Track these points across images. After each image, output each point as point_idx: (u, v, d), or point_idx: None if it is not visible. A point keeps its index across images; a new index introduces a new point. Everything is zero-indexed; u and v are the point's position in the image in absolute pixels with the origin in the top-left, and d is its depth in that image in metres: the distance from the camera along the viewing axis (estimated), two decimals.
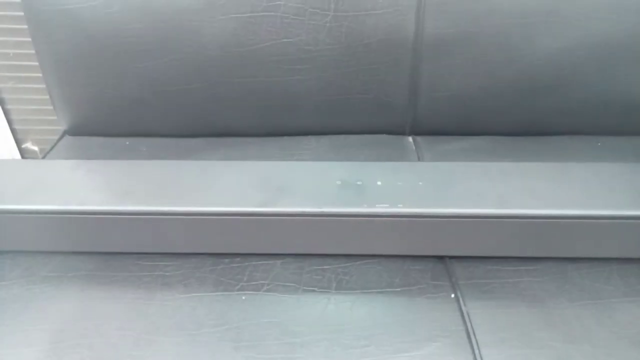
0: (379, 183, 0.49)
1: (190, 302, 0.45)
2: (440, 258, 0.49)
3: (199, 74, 0.65)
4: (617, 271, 0.48)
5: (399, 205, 0.46)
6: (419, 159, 0.66)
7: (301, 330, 0.42)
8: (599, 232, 0.47)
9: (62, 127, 0.72)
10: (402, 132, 0.71)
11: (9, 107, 0.91)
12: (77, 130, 0.71)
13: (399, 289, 0.46)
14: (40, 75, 0.74)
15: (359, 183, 0.49)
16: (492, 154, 0.66)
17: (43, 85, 0.78)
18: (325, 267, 0.48)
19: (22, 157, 0.97)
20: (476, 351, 0.40)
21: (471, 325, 0.43)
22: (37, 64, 0.78)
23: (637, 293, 0.46)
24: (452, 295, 0.46)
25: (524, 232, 0.47)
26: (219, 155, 0.66)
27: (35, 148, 0.97)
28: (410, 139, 0.71)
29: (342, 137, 0.70)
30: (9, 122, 0.93)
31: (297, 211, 0.46)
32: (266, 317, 0.43)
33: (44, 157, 0.68)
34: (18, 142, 0.95)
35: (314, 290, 0.46)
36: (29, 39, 0.67)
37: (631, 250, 0.48)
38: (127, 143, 0.69)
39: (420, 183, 0.49)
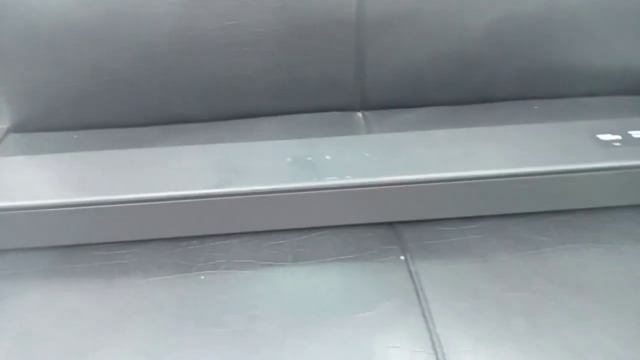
0: (327, 157, 0.51)
1: (150, 287, 0.46)
2: (390, 224, 0.52)
3: (147, 61, 0.65)
4: (552, 223, 0.52)
5: (347, 177, 0.48)
6: (368, 131, 0.69)
7: (260, 304, 0.44)
8: (533, 187, 0.50)
9: (4, 125, 0.71)
10: (352, 108, 0.73)
11: None
12: (21, 127, 0.70)
13: (351, 256, 0.48)
14: None
15: (308, 159, 0.51)
16: (437, 123, 0.68)
17: None
18: (281, 241, 0.50)
19: None
20: (424, 305, 0.43)
21: (419, 283, 0.46)
22: None
23: (570, 241, 0.50)
24: (402, 257, 0.48)
25: (465, 192, 0.50)
26: (171, 143, 0.66)
27: None
28: (359, 114, 0.73)
29: (293, 116, 0.71)
30: None
31: (250, 190, 0.48)
32: (225, 293, 0.45)
33: None
34: None
35: (271, 265, 0.48)
36: None
37: (563, 202, 0.52)
38: (75, 137, 0.68)
39: (367, 154, 0.52)
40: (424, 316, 0.43)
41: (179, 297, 0.45)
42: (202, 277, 0.46)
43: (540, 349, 0.40)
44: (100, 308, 0.44)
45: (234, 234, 0.51)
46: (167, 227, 0.50)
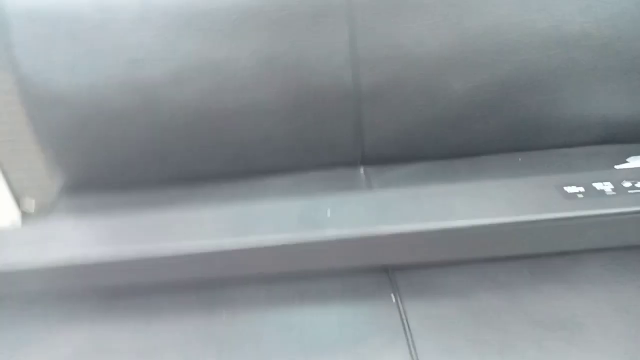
0: (329, 213, 0.60)
1: (182, 326, 0.55)
2: (384, 269, 0.60)
3: (174, 133, 0.76)
4: (526, 266, 0.59)
5: (345, 230, 0.57)
6: (368, 186, 0.78)
7: (271, 338, 0.53)
8: (507, 235, 0.58)
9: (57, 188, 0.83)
10: (354, 164, 0.83)
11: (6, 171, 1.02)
12: (71, 189, 0.82)
13: (350, 297, 0.57)
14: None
15: (312, 215, 0.60)
16: (429, 176, 0.78)
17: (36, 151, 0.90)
18: (289, 284, 0.59)
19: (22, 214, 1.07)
20: (410, 340, 0.51)
21: (407, 320, 0.53)
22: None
23: (542, 282, 0.57)
24: (393, 297, 0.56)
25: (448, 241, 0.58)
26: (198, 199, 0.77)
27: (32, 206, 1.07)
28: (361, 169, 0.82)
29: (302, 174, 0.81)
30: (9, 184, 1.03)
31: (262, 245, 0.57)
32: (243, 329, 0.54)
33: (47, 216, 0.78)
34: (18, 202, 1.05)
35: (279, 306, 0.56)
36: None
37: (534, 247, 0.59)
38: (116, 197, 0.80)
39: (363, 209, 0.60)
40: (410, 348, 0.50)
41: (205, 333, 0.54)
42: (224, 317, 0.55)
43: (509, 356, 0.47)
44: (143, 340, 0.54)
45: (249, 279, 0.60)
46: (192, 276, 0.59)
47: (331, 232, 0.57)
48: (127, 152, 0.78)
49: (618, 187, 0.60)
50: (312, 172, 0.82)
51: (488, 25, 0.73)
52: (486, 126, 0.79)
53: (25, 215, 1.06)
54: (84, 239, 0.60)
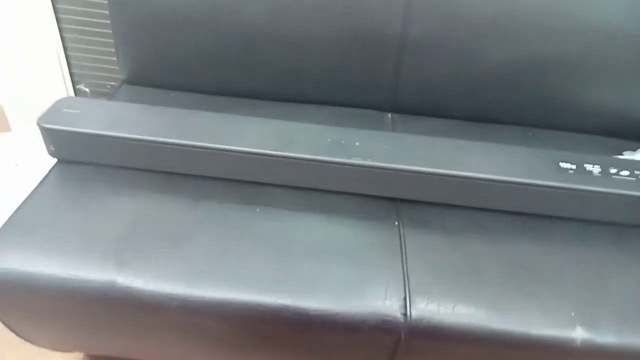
0: (357, 144, 0.71)
1: (221, 210, 0.67)
2: (393, 199, 0.72)
3: (234, 46, 0.86)
4: (511, 220, 0.70)
5: (368, 160, 0.68)
6: (392, 131, 0.88)
7: (293, 234, 0.65)
8: (502, 191, 0.69)
9: (117, 77, 0.93)
10: (384, 109, 0.92)
11: (70, 53, 1.11)
12: (133, 80, 0.92)
13: (359, 216, 0.69)
14: (99, 31, 0.96)
15: (343, 142, 0.71)
16: (448, 133, 0.87)
17: (100, 39, 1.00)
18: (313, 196, 0.71)
19: (76, 95, 1.18)
20: (404, 258, 0.63)
21: (404, 242, 0.65)
22: (98, 23, 0.99)
23: (521, 235, 0.68)
24: (396, 223, 0.68)
25: (451, 186, 0.69)
26: (243, 112, 0.86)
27: (87, 90, 1.17)
28: (389, 115, 0.92)
29: (337, 108, 0.91)
30: (69, 66, 1.13)
31: (298, 156, 0.68)
32: (272, 223, 0.66)
33: (111, 98, 0.88)
34: (74, 84, 1.16)
35: (303, 210, 0.68)
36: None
37: (525, 207, 0.70)
38: (172, 95, 0.90)
39: (386, 146, 0.71)
40: (402, 263, 0.63)
41: (241, 219, 0.66)
42: (258, 210, 0.68)
43: (481, 285, 0.59)
44: (188, 216, 0.66)
45: (283, 185, 0.71)
46: (237, 172, 0.71)
47: (356, 159, 0.68)
48: (188, 57, 0.87)
49: (604, 171, 0.70)
50: (345, 108, 0.91)
51: (536, 5, 0.80)
52: (511, 96, 0.88)
53: (80, 96, 1.17)
54: (151, 121, 0.71)
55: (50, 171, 0.71)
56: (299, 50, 0.85)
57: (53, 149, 0.71)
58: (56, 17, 1.05)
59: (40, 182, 0.69)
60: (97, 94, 1.17)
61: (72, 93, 1.16)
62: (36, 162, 0.73)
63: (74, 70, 1.14)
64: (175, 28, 0.84)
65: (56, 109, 0.72)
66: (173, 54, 0.87)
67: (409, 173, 0.68)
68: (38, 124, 0.69)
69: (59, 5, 1.04)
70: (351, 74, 0.88)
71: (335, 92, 0.90)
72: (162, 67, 0.89)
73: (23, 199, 0.67)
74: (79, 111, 0.71)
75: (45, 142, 0.70)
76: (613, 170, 0.70)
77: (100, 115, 0.71)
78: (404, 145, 0.72)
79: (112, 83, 1.14)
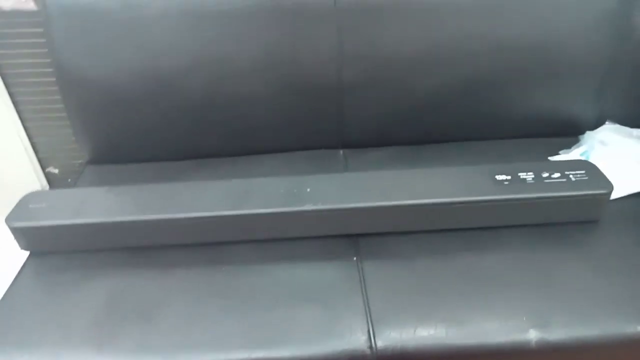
0: (308, 190, 0.76)
1: (189, 275, 0.71)
2: (349, 236, 0.76)
3: (181, 115, 0.91)
4: (460, 237, 0.75)
5: (319, 204, 0.73)
6: (345, 166, 0.93)
7: (259, 285, 0.69)
8: (447, 212, 0.74)
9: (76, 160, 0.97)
10: (335, 147, 0.98)
11: (34, 140, 1.16)
12: (95, 160, 0.97)
13: (319, 258, 0.73)
14: (62, 116, 1.02)
15: (295, 191, 0.76)
16: (398, 159, 0.93)
17: (63, 123, 1.05)
18: (276, 246, 0.75)
19: (46, 178, 1.22)
20: (363, 290, 0.68)
21: (363, 275, 0.70)
22: (59, 108, 1.04)
23: (471, 249, 0.73)
24: (354, 258, 0.73)
25: (399, 215, 0.74)
26: (202, 173, 0.92)
27: (56, 171, 1.22)
28: (341, 151, 0.97)
29: (290, 153, 0.96)
30: (35, 152, 1.18)
31: (254, 212, 0.73)
32: (237, 279, 0.70)
33: (76, 183, 0.93)
34: (42, 167, 1.20)
35: (265, 263, 0.73)
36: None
37: (471, 222, 0.75)
38: (134, 168, 0.95)
39: (335, 188, 0.76)
40: (363, 296, 0.67)
41: (208, 281, 0.70)
42: (224, 269, 0.72)
43: (439, 304, 0.64)
44: (158, 288, 0.70)
45: (245, 241, 0.76)
46: (200, 236, 0.75)
47: (308, 206, 0.73)
48: (144, 131, 0.92)
49: (537, 177, 0.75)
50: (298, 152, 0.97)
51: (453, 34, 0.86)
52: (446, 117, 0.94)
53: (51, 178, 1.22)
54: (113, 202, 0.76)
55: (23, 265, 0.75)
56: (243, 109, 0.90)
57: (24, 244, 0.75)
58: (16, 108, 1.10)
59: (15, 279, 0.73)
60: (67, 172, 1.22)
61: (42, 177, 1.21)
62: (12, 254, 0.77)
63: (41, 155, 1.19)
64: (126, 107, 0.89)
65: (22, 205, 0.76)
66: (128, 131, 0.92)
67: (359, 210, 0.73)
68: (7, 223, 0.73)
69: (17, 98, 1.09)
70: (298, 121, 0.93)
71: (286, 139, 0.96)
72: (119, 144, 0.94)
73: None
74: (44, 205, 0.76)
75: (15, 238, 0.75)
76: (545, 175, 0.76)
77: (65, 205, 0.75)
78: (352, 184, 0.77)
79: (80, 161, 1.19)
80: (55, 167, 1.22)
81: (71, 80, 0.87)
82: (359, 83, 0.90)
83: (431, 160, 0.92)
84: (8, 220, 0.73)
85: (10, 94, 1.08)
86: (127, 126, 0.92)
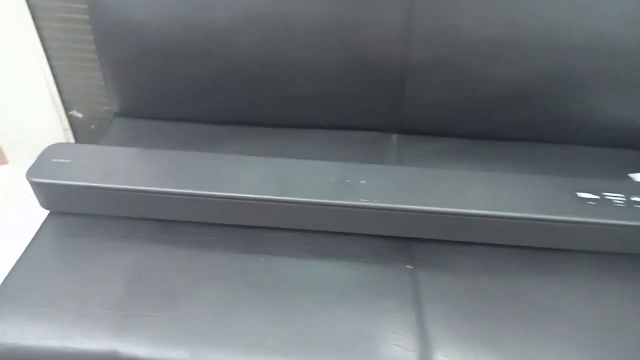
0: (362, 182, 0.67)
1: (223, 261, 0.64)
2: (403, 239, 0.68)
3: (228, 76, 0.81)
4: (529, 256, 0.66)
5: (375, 201, 0.64)
6: (398, 155, 0.84)
7: (297, 283, 0.62)
8: (517, 227, 0.65)
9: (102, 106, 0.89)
10: (389, 131, 0.88)
11: (60, 80, 1.07)
12: (125, 113, 0.88)
13: (369, 260, 0.65)
14: (89, 57, 0.93)
15: (347, 181, 0.67)
16: (458, 155, 0.83)
17: (91, 65, 0.96)
18: (317, 240, 0.67)
19: (69, 121, 1.14)
20: (418, 305, 0.60)
21: (417, 285, 0.62)
22: (88, 49, 0.96)
23: (537, 272, 0.65)
24: (408, 266, 0.65)
25: (461, 224, 0.65)
26: (241, 142, 0.83)
27: (80, 115, 1.14)
28: (395, 137, 0.88)
29: (339, 132, 0.86)
30: (60, 93, 1.09)
31: (302, 200, 0.64)
32: (275, 272, 0.63)
33: (102, 137, 0.85)
34: (66, 110, 1.12)
35: (308, 257, 0.65)
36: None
37: (543, 242, 0.66)
38: (167, 127, 0.86)
39: (392, 183, 0.67)
40: (416, 311, 0.59)
41: (243, 271, 0.63)
42: (262, 259, 0.64)
43: (499, 334, 0.56)
44: (188, 270, 0.63)
45: (286, 229, 0.68)
46: (238, 217, 0.67)
47: (363, 201, 0.64)
48: (181, 87, 0.83)
49: (628, 201, 0.66)
50: (348, 131, 0.87)
51: (541, 23, 0.75)
52: (519, 114, 0.83)
53: (73, 121, 1.14)
54: (145, 168, 0.68)
55: (42, 226, 0.68)
56: (297, 77, 0.81)
57: (45, 201, 0.68)
58: (43, 45, 1.01)
59: (33, 239, 0.66)
60: (92, 118, 1.14)
61: (64, 120, 1.13)
62: (34, 209, 0.70)
63: (65, 97, 1.10)
64: (167, 60, 0.80)
65: (45, 158, 0.68)
66: (165, 86, 0.83)
67: (419, 213, 0.64)
68: (27, 178, 0.65)
69: (45, 34, 1.00)
70: (352, 98, 0.83)
71: (336, 116, 0.86)
72: (154, 99, 0.85)
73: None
74: (69, 160, 0.68)
75: (36, 195, 0.67)
76: (636, 199, 0.66)
77: (92, 164, 0.68)
78: (413, 181, 0.68)
79: (106, 107, 1.11)
80: (80, 111, 1.13)
81: (106, 24, 0.78)
82: (426, 64, 0.79)
83: (495, 160, 0.82)
84: (29, 174, 0.65)
85: (38, 28, 0.99)
86: (163, 80, 0.83)
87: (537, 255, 0.67)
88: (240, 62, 0.79)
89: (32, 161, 0.67)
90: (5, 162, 1.15)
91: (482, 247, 0.67)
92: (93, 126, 1.14)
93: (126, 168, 0.68)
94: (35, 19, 0.98)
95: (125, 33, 0.78)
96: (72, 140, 1.15)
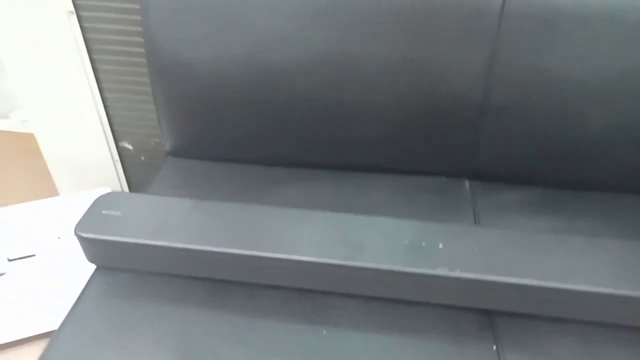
0: (440, 246, 0.59)
1: (282, 333, 0.57)
2: (487, 311, 0.60)
3: (288, 119, 0.75)
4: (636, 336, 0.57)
5: (456, 270, 0.56)
6: (472, 204, 0.75)
7: None
8: (626, 306, 0.55)
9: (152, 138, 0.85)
10: (460, 176, 0.80)
11: (111, 112, 1.05)
12: (178, 152, 0.84)
13: (449, 337, 0.57)
14: (141, 90, 0.89)
15: (423, 244, 0.59)
16: (540, 207, 0.74)
17: (142, 97, 0.93)
18: (390, 310, 0.59)
19: (119, 152, 1.11)
20: None
21: None
22: (139, 81, 0.92)
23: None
24: (494, 347, 0.56)
25: (558, 299, 0.56)
26: (301, 188, 0.77)
27: (130, 147, 1.11)
28: (467, 183, 0.79)
29: (404, 177, 0.79)
30: (110, 124, 1.07)
31: (372, 267, 0.57)
32: (338, 350, 0.55)
33: (155, 179, 0.80)
34: (116, 140, 1.10)
35: (377, 331, 0.57)
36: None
37: None
38: (221, 169, 0.81)
39: (476, 249, 0.59)
40: None
41: (305, 346, 0.56)
42: (324, 332, 0.57)
43: None
44: (243, 342, 0.56)
45: (353, 295, 0.60)
46: (299, 281, 0.61)
47: (442, 270, 0.56)
48: (238, 128, 0.78)
49: None
50: (413, 176, 0.79)
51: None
52: (619, 163, 0.73)
53: (123, 152, 1.11)
54: (199, 223, 0.62)
55: (89, 283, 0.63)
56: (360, 119, 0.74)
57: (92, 256, 0.63)
58: (96, 77, 0.99)
59: (80, 298, 0.61)
60: (141, 150, 1.11)
61: (114, 151, 1.10)
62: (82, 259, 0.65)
63: (115, 128, 1.08)
64: (224, 101, 0.75)
65: (95, 210, 0.64)
66: (221, 127, 0.78)
67: (508, 286, 0.56)
68: (76, 233, 0.61)
69: (98, 66, 0.97)
70: (421, 140, 0.76)
71: (401, 158, 0.79)
72: (208, 140, 0.81)
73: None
74: (119, 213, 0.63)
75: (84, 250, 0.63)
76: None
77: (143, 217, 0.63)
78: (496, 246, 0.59)
79: (156, 140, 1.07)
80: (130, 143, 1.10)
81: (163, 64, 0.73)
82: (508, 107, 0.71)
83: (584, 215, 0.73)
84: (78, 228, 0.61)
85: (92, 61, 0.97)
86: (219, 121, 0.78)
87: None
88: (303, 104, 0.73)
89: (82, 192, 0.62)
90: (57, 194, 1.13)
91: (581, 326, 0.58)
92: (143, 158, 1.11)
93: (179, 223, 0.62)
94: (89, 51, 0.96)
95: (182, 73, 0.73)
96: (121, 172, 1.13)
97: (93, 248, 0.62)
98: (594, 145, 0.71)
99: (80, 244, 0.62)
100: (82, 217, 0.63)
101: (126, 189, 1.16)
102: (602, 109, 0.69)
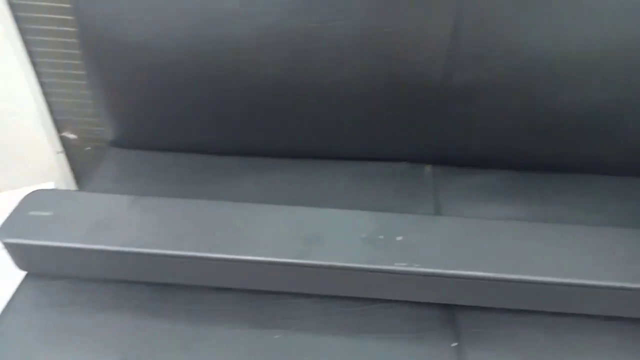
0: (399, 238, 0.55)
1: (230, 342, 0.53)
2: (447, 306, 0.57)
3: (240, 102, 0.69)
4: (603, 328, 0.55)
5: (415, 265, 0.53)
6: (434, 191, 0.72)
7: None
8: (594, 295, 0.53)
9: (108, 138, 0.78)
10: (422, 161, 0.76)
11: (50, 99, 0.97)
12: (121, 143, 0.77)
13: (408, 335, 0.54)
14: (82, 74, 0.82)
15: (381, 237, 0.56)
16: (505, 192, 0.71)
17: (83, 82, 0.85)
18: (347, 309, 0.56)
19: (61, 143, 1.03)
20: None
21: None
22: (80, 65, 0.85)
23: (615, 349, 0.53)
24: (453, 344, 0.53)
25: (522, 291, 0.54)
26: (254, 178, 0.72)
27: (73, 137, 1.03)
28: (428, 168, 0.76)
29: (365, 164, 0.74)
30: (51, 112, 0.99)
31: (326, 264, 0.53)
32: (292, 355, 0.52)
33: (95, 173, 0.74)
34: (58, 131, 1.02)
35: (334, 333, 0.54)
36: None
37: (627, 311, 0.55)
38: (168, 159, 0.75)
39: (436, 240, 0.56)
40: None
41: (253, 352, 0.52)
42: (276, 337, 0.53)
43: None
44: (186, 351, 0.52)
45: (307, 294, 0.56)
46: (250, 282, 0.56)
47: (400, 265, 0.53)
48: (186, 115, 0.72)
49: None
50: (374, 162, 0.75)
51: (619, 41, 0.62)
52: (590, 145, 0.71)
53: (66, 143, 1.03)
54: (140, 222, 0.57)
55: (17, 291, 0.57)
56: (319, 101, 0.68)
57: (19, 263, 0.57)
58: (31, 61, 0.90)
59: (6, 308, 0.56)
60: (86, 140, 1.03)
61: (56, 142, 1.02)
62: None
63: (56, 117, 1.00)
64: (169, 84, 0.68)
65: (21, 211, 0.57)
66: (167, 113, 0.72)
67: (471, 280, 0.53)
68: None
69: (33, 48, 0.89)
70: (382, 125, 0.71)
71: (362, 146, 0.75)
72: (153, 128, 0.74)
73: None
74: (49, 213, 0.57)
75: (10, 255, 0.57)
76: None
77: (76, 218, 0.57)
78: (459, 236, 0.56)
79: (100, 128, 1.00)
80: (73, 132, 1.03)
81: (97, 44, 0.66)
82: (472, 88, 0.67)
83: (550, 198, 0.70)
84: (2, 233, 0.55)
85: (26, 43, 0.88)
86: (163, 106, 0.71)
87: (615, 327, 0.55)
88: (256, 85, 0.67)
89: (19, 190, 0.56)
90: None
91: (545, 316, 0.55)
92: (88, 148, 1.04)
93: (116, 223, 0.57)
94: (21, 31, 0.87)
95: (119, 52, 0.66)
96: (65, 164, 1.05)
97: (20, 254, 0.56)
98: (564, 126, 0.69)
99: (6, 249, 0.56)
100: (6, 219, 0.56)
101: (72, 182, 1.08)
102: (573, 89, 0.66)
